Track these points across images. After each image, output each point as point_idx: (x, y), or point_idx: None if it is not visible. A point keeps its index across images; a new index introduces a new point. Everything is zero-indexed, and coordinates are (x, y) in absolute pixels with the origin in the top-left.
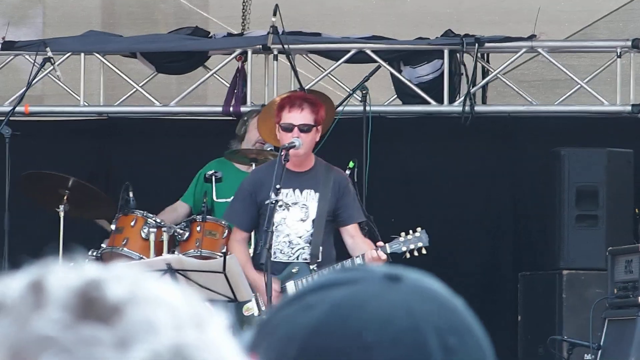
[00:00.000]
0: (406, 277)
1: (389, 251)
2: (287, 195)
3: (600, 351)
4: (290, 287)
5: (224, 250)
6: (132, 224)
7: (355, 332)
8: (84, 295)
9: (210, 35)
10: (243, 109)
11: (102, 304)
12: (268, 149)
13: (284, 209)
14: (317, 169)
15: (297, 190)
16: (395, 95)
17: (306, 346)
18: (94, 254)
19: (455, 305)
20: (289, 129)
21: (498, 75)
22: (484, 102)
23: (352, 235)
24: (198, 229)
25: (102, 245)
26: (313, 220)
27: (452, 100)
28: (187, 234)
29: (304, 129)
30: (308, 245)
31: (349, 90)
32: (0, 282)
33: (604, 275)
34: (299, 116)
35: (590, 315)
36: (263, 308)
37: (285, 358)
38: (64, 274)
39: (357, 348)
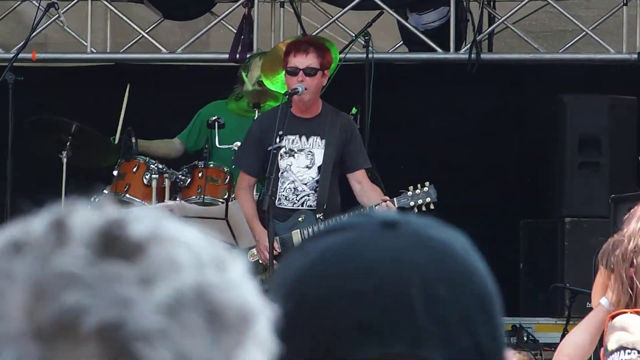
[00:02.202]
0: (404, 224)
1: (397, 205)
2: (292, 141)
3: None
4: (296, 235)
5: (226, 197)
6: (135, 169)
7: (339, 280)
8: (107, 233)
9: None
10: (248, 55)
11: (125, 242)
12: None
13: (289, 156)
14: (324, 115)
15: (304, 137)
16: (401, 43)
17: (291, 293)
18: (97, 200)
19: (454, 255)
20: (294, 72)
21: (505, 22)
22: (490, 50)
23: (359, 181)
24: (200, 175)
25: (104, 191)
26: (319, 167)
27: (458, 48)
28: (189, 180)
29: (309, 72)
30: (313, 192)
31: (352, 37)
32: (24, 222)
33: (606, 223)
34: (304, 60)
35: (593, 263)
36: None
37: (275, 304)
38: (87, 213)
39: (339, 296)
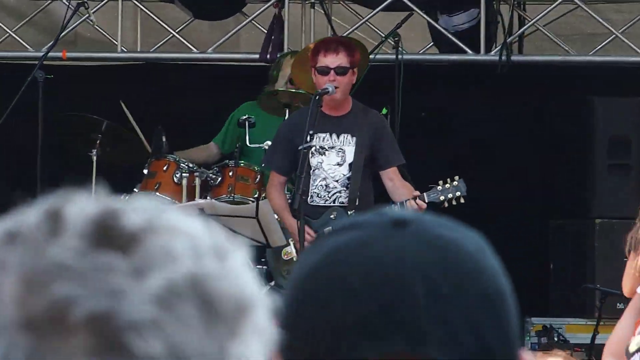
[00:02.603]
0: (414, 223)
1: (427, 200)
2: (323, 139)
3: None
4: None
5: (256, 196)
6: (165, 168)
7: (342, 277)
8: (101, 223)
9: None
10: (280, 55)
11: (119, 233)
12: (302, 92)
13: (320, 154)
14: (354, 113)
15: (334, 135)
16: (431, 44)
17: (298, 289)
18: (127, 198)
19: (462, 254)
20: (325, 72)
21: (535, 24)
22: (520, 52)
23: (390, 178)
24: (230, 174)
25: (135, 189)
26: (350, 165)
27: (488, 50)
28: (219, 179)
29: (340, 71)
30: (345, 189)
31: (382, 38)
32: (20, 212)
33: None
34: (335, 59)
35: (623, 265)
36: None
37: (284, 301)
38: (83, 203)
39: (341, 292)
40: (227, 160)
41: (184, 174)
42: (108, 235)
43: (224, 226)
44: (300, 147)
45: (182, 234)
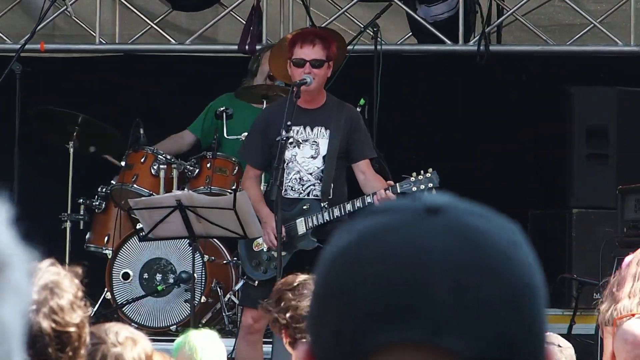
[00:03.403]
0: (447, 210)
1: (399, 191)
2: (297, 132)
3: (604, 290)
4: (300, 223)
5: (234, 187)
6: (142, 160)
7: (370, 260)
8: None
9: None
10: (258, 47)
11: None
12: (277, 84)
13: (294, 146)
14: (329, 106)
15: (308, 127)
16: (410, 34)
17: (328, 271)
18: (104, 190)
19: (491, 244)
20: (300, 64)
21: (514, 14)
22: (498, 42)
23: (363, 171)
24: (208, 165)
25: (112, 182)
26: (324, 157)
27: (467, 40)
28: (197, 170)
29: (316, 64)
30: (319, 182)
31: (360, 28)
32: None
33: (613, 214)
34: (311, 51)
35: (600, 254)
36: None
37: (315, 281)
38: None
39: (365, 278)
40: (204, 152)
41: (161, 166)
42: None
43: (202, 218)
44: (277, 138)
45: None
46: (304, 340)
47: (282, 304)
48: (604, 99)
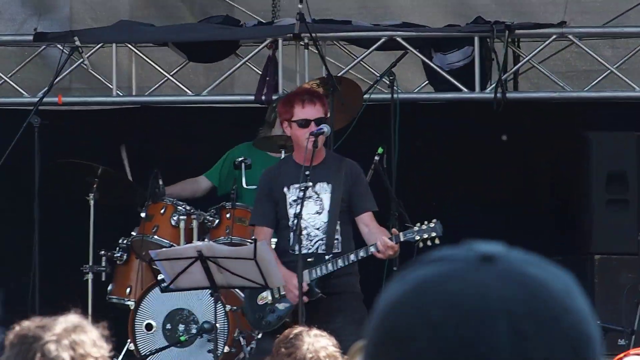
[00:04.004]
0: (502, 259)
1: (402, 239)
2: (300, 189)
3: (633, 336)
4: (305, 275)
5: (254, 237)
6: (162, 211)
7: (426, 309)
8: None
9: (240, 24)
10: (275, 97)
11: None
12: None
13: (298, 204)
14: (329, 161)
15: (310, 184)
16: (426, 82)
17: (382, 320)
18: (125, 242)
19: (548, 293)
20: (305, 125)
21: (530, 61)
22: (515, 89)
23: (366, 224)
24: (228, 216)
25: (133, 233)
26: (329, 212)
27: (483, 87)
28: (217, 221)
29: (320, 122)
30: (325, 236)
31: (376, 77)
32: None
33: (635, 260)
34: (314, 110)
35: (623, 300)
36: (277, 296)
37: (368, 330)
38: None
39: (423, 325)
40: (224, 202)
41: (181, 217)
42: None
43: (223, 268)
44: (297, 186)
45: None
46: None
47: (277, 357)
48: (623, 144)
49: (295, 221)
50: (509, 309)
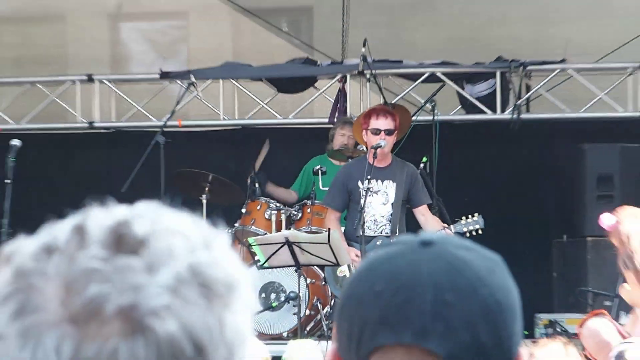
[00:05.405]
0: (438, 244)
1: (453, 231)
2: (372, 184)
3: (616, 299)
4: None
5: (328, 226)
6: (258, 207)
7: (372, 281)
8: (116, 232)
9: (317, 64)
10: (340, 120)
11: (131, 239)
12: (359, 148)
13: (370, 195)
14: (394, 165)
15: (380, 181)
16: (459, 107)
17: (346, 288)
18: (229, 231)
19: (469, 271)
20: (377, 132)
21: (540, 91)
22: (527, 111)
23: (422, 213)
24: (308, 210)
25: (235, 224)
26: (392, 204)
27: (503, 110)
28: (300, 214)
29: (389, 132)
30: (389, 222)
31: (421, 103)
32: (51, 228)
33: None
34: (385, 122)
35: (610, 272)
36: (353, 270)
37: (339, 302)
38: (99, 216)
39: (369, 295)
40: (305, 201)
41: (272, 212)
42: (123, 242)
43: (305, 250)
44: (360, 188)
45: (177, 233)
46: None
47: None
48: (610, 153)
49: (366, 209)
50: (435, 282)
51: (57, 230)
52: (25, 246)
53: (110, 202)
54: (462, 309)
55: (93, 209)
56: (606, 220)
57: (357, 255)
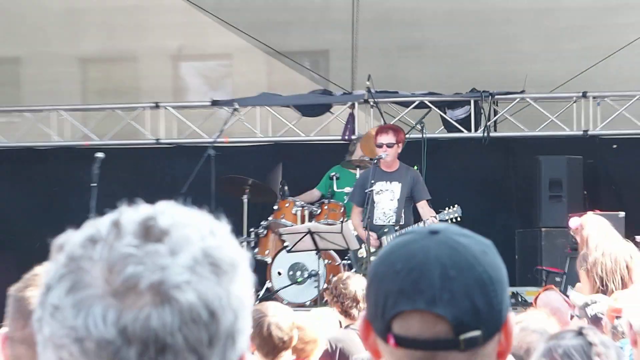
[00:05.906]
0: (443, 232)
1: (438, 219)
2: (382, 185)
3: (564, 276)
4: (383, 239)
5: (341, 220)
6: (287, 205)
7: (392, 262)
8: (145, 225)
9: (332, 94)
10: (353, 137)
11: (157, 229)
12: (366, 159)
13: (379, 194)
14: (401, 169)
15: (388, 182)
16: (442, 127)
17: (373, 266)
18: (265, 223)
19: (467, 253)
20: (380, 146)
21: (504, 114)
22: (495, 131)
23: (422, 207)
24: (326, 207)
25: (269, 218)
26: (398, 200)
27: (476, 130)
28: (319, 210)
29: (389, 145)
30: (395, 214)
31: (412, 125)
32: (94, 223)
33: (565, 231)
34: (386, 138)
35: (559, 255)
36: (371, 252)
37: (367, 279)
38: (131, 213)
39: (391, 272)
40: (323, 200)
41: (298, 209)
42: (151, 233)
43: (323, 238)
44: (366, 190)
45: (191, 224)
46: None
47: (335, 290)
48: (559, 163)
49: (377, 204)
50: (441, 262)
51: (99, 224)
52: (74, 237)
53: (174, 202)
54: (463, 282)
55: (126, 208)
56: (572, 222)
57: (374, 239)
